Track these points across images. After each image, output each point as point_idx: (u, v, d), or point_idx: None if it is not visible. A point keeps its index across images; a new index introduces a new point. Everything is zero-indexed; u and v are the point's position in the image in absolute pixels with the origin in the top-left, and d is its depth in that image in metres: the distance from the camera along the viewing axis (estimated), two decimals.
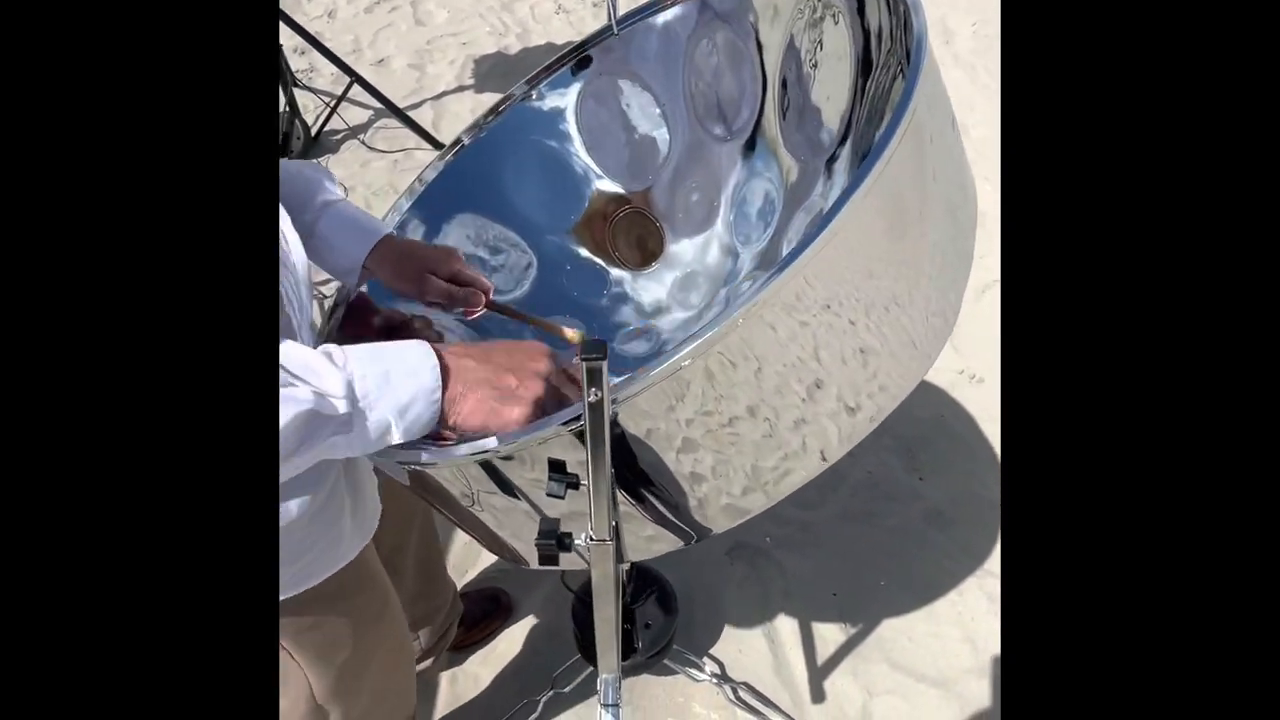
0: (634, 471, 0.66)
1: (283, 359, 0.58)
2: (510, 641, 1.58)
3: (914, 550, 1.72)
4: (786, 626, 1.60)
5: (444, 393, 0.63)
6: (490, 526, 0.78)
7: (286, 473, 0.62)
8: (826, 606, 1.63)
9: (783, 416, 0.66)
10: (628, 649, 1.10)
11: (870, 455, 1.90)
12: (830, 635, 1.58)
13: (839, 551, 1.72)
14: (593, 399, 0.53)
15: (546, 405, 0.67)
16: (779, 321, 0.61)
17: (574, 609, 1.18)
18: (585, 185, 1.11)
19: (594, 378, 0.52)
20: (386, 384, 0.61)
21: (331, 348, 0.61)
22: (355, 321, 0.95)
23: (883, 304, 0.67)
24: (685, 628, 1.54)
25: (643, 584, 1.20)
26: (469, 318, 0.95)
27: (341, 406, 0.59)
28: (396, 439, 0.63)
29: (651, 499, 0.69)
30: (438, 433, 0.67)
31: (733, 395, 0.63)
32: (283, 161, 0.92)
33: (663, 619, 1.18)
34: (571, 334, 0.95)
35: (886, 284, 0.67)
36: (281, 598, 0.80)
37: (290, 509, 0.75)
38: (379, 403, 0.61)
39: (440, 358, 0.64)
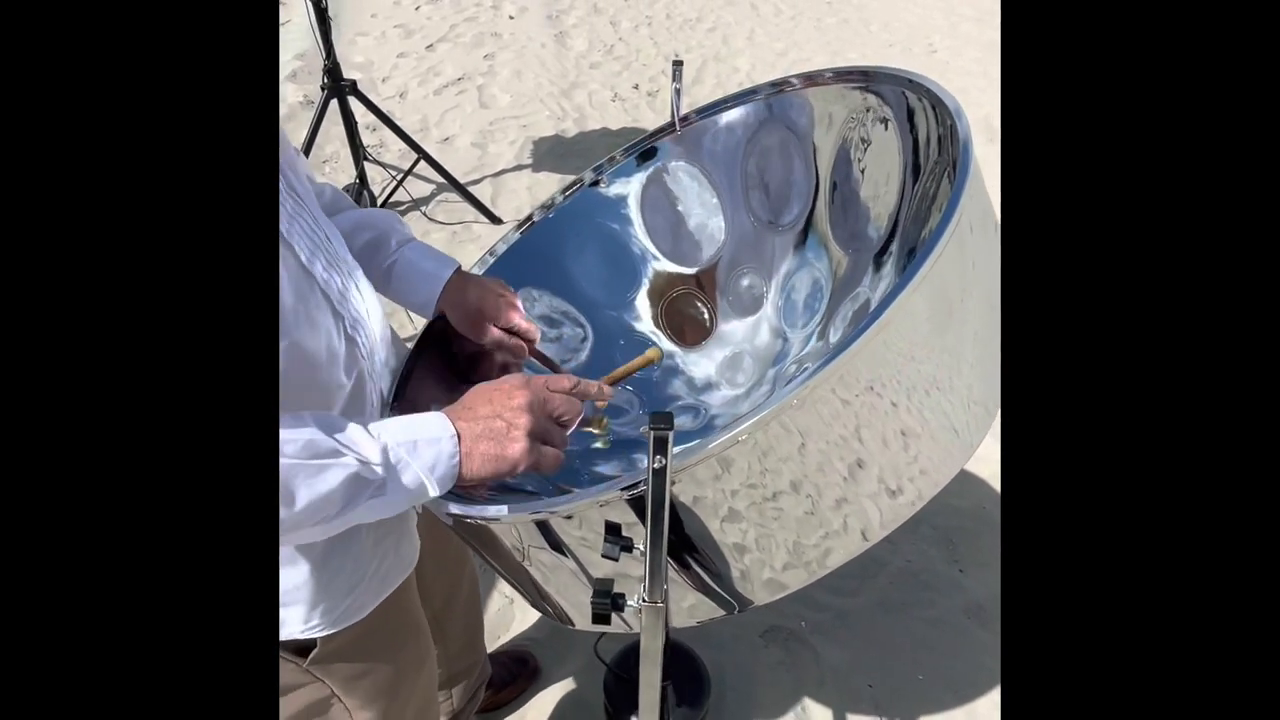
0: (680, 537, 0.69)
1: (335, 434, 0.67)
2: (539, 711, 1.57)
3: (954, 645, 1.68)
4: (820, 716, 1.56)
5: (460, 455, 0.71)
6: (537, 581, 0.80)
7: (330, 531, 0.70)
8: (862, 699, 1.59)
9: (825, 495, 0.69)
10: None
11: (909, 544, 1.87)
12: None
13: (876, 642, 1.68)
14: (657, 465, 0.56)
15: (541, 424, 0.72)
16: (823, 400, 0.64)
17: (606, 682, 1.18)
18: (643, 266, 1.17)
19: (660, 446, 0.56)
20: (414, 451, 0.69)
21: (371, 424, 0.71)
22: (435, 349, 1.03)
23: (924, 388, 0.70)
24: (716, 709, 1.51)
25: (676, 661, 1.20)
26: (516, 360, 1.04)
27: (379, 471, 0.68)
28: (434, 493, 0.71)
29: (695, 566, 0.72)
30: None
31: (777, 470, 0.66)
32: (366, 211, 1.04)
33: (695, 699, 1.17)
34: (652, 353, 1.03)
35: (928, 369, 0.70)
36: (335, 630, 0.85)
37: (359, 534, 0.82)
38: (409, 467, 0.69)
39: (454, 424, 0.71)
